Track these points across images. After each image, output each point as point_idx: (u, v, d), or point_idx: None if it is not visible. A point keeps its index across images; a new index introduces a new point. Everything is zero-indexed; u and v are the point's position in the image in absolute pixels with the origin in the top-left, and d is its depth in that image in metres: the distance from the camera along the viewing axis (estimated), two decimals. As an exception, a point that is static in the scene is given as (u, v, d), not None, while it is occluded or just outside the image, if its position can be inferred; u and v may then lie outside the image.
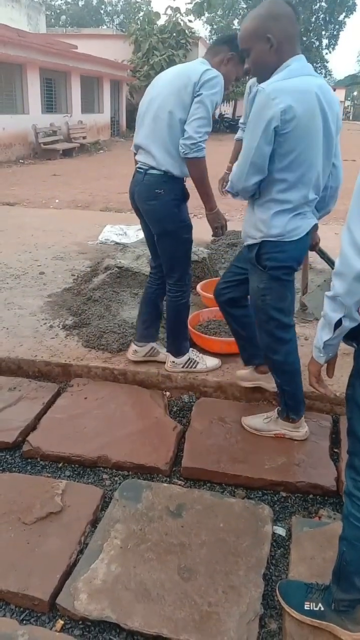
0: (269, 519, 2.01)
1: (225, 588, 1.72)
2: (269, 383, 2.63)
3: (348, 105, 63.69)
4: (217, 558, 1.83)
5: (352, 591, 1.52)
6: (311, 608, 1.60)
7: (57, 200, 8.43)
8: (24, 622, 1.66)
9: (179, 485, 2.23)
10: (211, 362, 2.95)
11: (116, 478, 2.29)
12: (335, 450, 2.44)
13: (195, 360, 2.91)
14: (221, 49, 2.54)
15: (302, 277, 3.62)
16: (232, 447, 2.39)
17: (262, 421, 2.50)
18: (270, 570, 1.85)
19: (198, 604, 1.66)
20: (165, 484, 2.20)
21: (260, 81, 2.05)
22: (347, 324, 1.34)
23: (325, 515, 2.10)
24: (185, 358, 2.89)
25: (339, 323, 1.34)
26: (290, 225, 2.10)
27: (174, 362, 2.89)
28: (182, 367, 2.89)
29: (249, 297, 2.41)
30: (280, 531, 2.02)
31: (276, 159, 2.00)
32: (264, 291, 2.21)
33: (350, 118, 52.29)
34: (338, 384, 2.65)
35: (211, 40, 48.56)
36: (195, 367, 2.90)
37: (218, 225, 2.68)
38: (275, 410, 2.50)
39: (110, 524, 1.97)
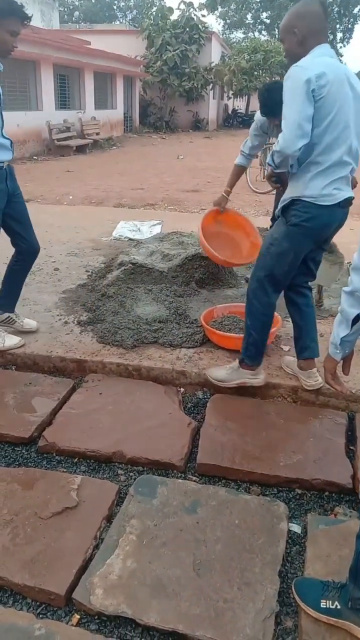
0: (284, 516, 2.00)
1: (241, 585, 1.72)
2: (305, 379, 2.69)
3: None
4: (232, 554, 1.83)
5: (369, 590, 1.51)
6: (327, 606, 1.59)
7: (70, 197, 8.45)
8: (41, 616, 1.67)
9: (194, 481, 2.23)
10: (10, 341, 3.09)
11: (131, 474, 2.29)
12: (351, 447, 2.42)
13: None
14: None
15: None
16: (247, 444, 2.38)
17: (225, 372, 2.72)
18: (286, 568, 1.85)
19: (213, 600, 1.66)
20: (180, 480, 2.20)
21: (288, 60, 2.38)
22: (365, 320, 1.33)
23: (341, 513, 2.09)
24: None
25: (356, 319, 1.33)
26: (325, 191, 2.29)
27: None
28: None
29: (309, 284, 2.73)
30: (296, 528, 2.02)
31: (314, 124, 2.20)
32: (274, 240, 2.44)
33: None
34: (353, 380, 2.64)
35: (224, 35, 48.39)
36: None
37: None
38: (237, 360, 2.71)
39: (126, 519, 1.98)
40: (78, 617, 1.66)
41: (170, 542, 1.88)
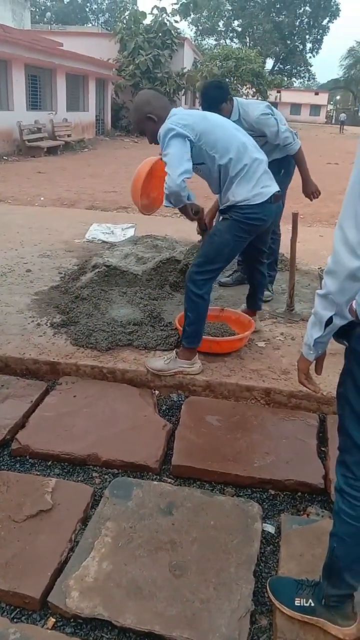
0: (258, 517, 2.03)
1: (217, 585, 1.73)
2: None
3: (330, 109, 64.32)
4: (208, 555, 1.85)
5: (342, 586, 1.54)
6: (301, 604, 1.62)
7: (42, 198, 8.37)
8: (15, 620, 1.65)
9: (169, 483, 2.24)
10: None
11: (106, 476, 2.29)
12: (323, 448, 2.47)
13: None
14: None
15: (289, 277, 3.66)
16: (221, 446, 2.40)
17: (163, 362, 2.86)
18: (261, 567, 1.87)
19: (190, 601, 1.67)
20: (156, 482, 2.21)
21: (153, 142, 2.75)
22: (338, 322, 1.36)
23: (313, 513, 2.13)
24: None
25: (329, 321, 1.36)
26: (255, 191, 2.66)
27: None
28: None
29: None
30: (270, 528, 2.04)
31: (210, 153, 2.63)
32: (218, 232, 2.75)
33: (332, 122, 52.80)
34: (324, 383, 2.69)
35: (196, 41, 48.74)
36: None
37: None
38: (174, 351, 2.89)
39: (101, 521, 1.97)
40: (54, 620, 1.65)
41: (146, 544, 1.88)
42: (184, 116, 2.61)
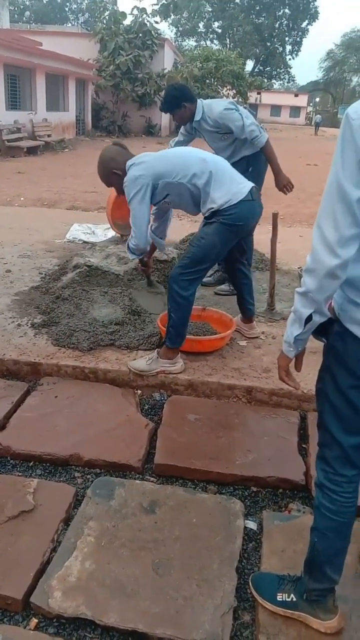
0: (240, 514, 2.04)
1: (200, 582, 1.74)
2: (248, 330, 3.32)
3: (310, 111, 64.94)
4: (190, 553, 1.85)
5: (324, 580, 1.56)
6: (284, 599, 1.64)
7: (22, 198, 8.30)
8: (-3, 621, 1.64)
9: (152, 482, 2.25)
10: None
11: (88, 476, 2.28)
12: (304, 445, 2.50)
13: None
14: None
15: (269, 277, 3.69)
16: (203, 444, 2.41)
17: (145, 362, 2.88)
18: (243, 564, 1.88)
19: (173, 598, 1.68)
20: (138, 481, 2.21)
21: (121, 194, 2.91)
22: (317, 319, 1.38)
23: (294, 509, 2.15)
24: None
25: (309, 318, 1.38)
26: (233, 190, 2.71)
27: None
28: None
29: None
30: (252, 525, 2.06)
31: (171, 184, 2.75)
32: (205, 235, 2.75)
33: (312, 123, 53.34)
34: (305, 381, 2.71)
35: (176, 43, 48.81)
36: None
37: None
38: (155, 351, 2.91)
39: (84, 521, 1.97)
40: (36, 621, 1.64)
41: (129, 543, 1.88)
42: (140, 165, 2.75)
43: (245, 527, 2.02)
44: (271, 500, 2.21)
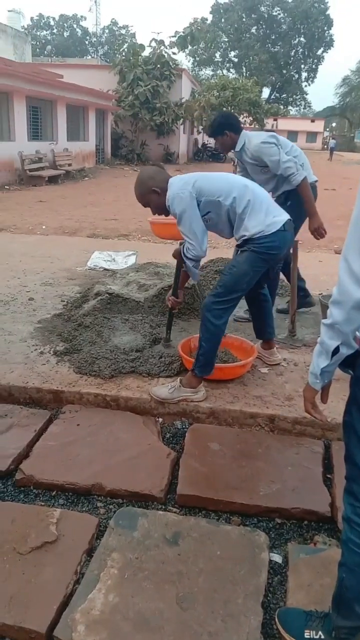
0: (265, 546, 2.01)
1: (225, 617, 1.71)
2: (269, 357, 3.31)
3: (326, 136, 65.41)
4: (215, 586, 1.83)
5: (353, 618, 1.52)
6: (311, 636, 1.60)
7: (44, 227, 8.46)
8: (21, 656, 1.63)
9: (175, 512, 2.23)
10: None
11: (111, 506, 2.27)
12: (328, 475, 2.46)
13: None
14: None
15: (290, 303, 3.69)
16: (226, 474, 2.39)
17: (167, 391, 2.87)
18: (268, 598, 1.85)
19: (197, 634, 1.65)
20: (161, 512, 2.19)
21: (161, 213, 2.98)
22: (344, 351, 1.38)
23: (320, 542, 2.11)
24: None
25: (336, 350, 1.38)
26: (267, 220, 2.75)
27: None
28: None
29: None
30: (277, 558, 2.02)
31: (214, 203, 2.78)
32: (237, 263, 2.81)
33: (327, 148, 53.66)
34: (328, 409, 2.69)
35: (193, 72, 49.84)
36: None
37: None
38: (178, 380, 2.91)
39: (107, 552, 1.95)
40: (60, 655, 1.62)
41: (152, 575, 1.86)
42: (183, 182, 2.80)
43: (271, 560, 1.99)
44: (296, 533, 2.17)
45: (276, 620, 1.70)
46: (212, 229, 2.97)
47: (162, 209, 2.89)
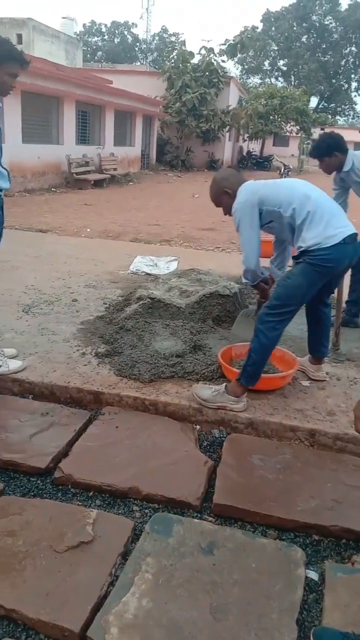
0: (301, 562, 1.97)
1: (258, 631, 1.69)
2: (314, 372, 3.25)
3: (374, 147, 64.14)
4: (249, 599, 1.80)
5: (392, 644, 1.48)
6: (347, 659, 1.56)
7: (88, 229, 8.61)
8: (54, 653, 1.64)
9: (210, 521, 2.21)
10: (14, 364, 3.18)
11: (146, 510, 2.28)
12: (369, 494, 2.40)
13: None
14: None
15: (335, 316, 3.63)
16: (264, 486, 2.37)
17: (210, 393, 2.87)
18: (303, 616, 1.81)
19: (231, 646, 1.63)
20: (196, 520, 2.18)
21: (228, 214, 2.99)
22: None
23: (358, 562, 2.06)
24: None
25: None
26: (327, 232, 2.68)
27: None
28: None
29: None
30: (313, 575, 1.99)
31: (275, 213, 2.79)
32: (292, 275, 2.77)
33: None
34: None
35: (241, 80, 49.87)
36: None
37: None
38: (223, 385, 2.89)
39: (142, 557, 1.96)
40: (92, 656, 1.63)
41: (186, 583, 1.85)
42: (250, 190, 2.84)
43: (306, 577, 1.95)
44: (334, 551, 2.12)
45: (311, 639, 1.67)
46: (278, 237, 3.03)
47: (230, 211, 2.93)
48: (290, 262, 3.04)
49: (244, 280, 3.10)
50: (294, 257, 2.84)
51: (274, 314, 2.74)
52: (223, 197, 2.93)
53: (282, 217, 2.76)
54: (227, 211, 2.96)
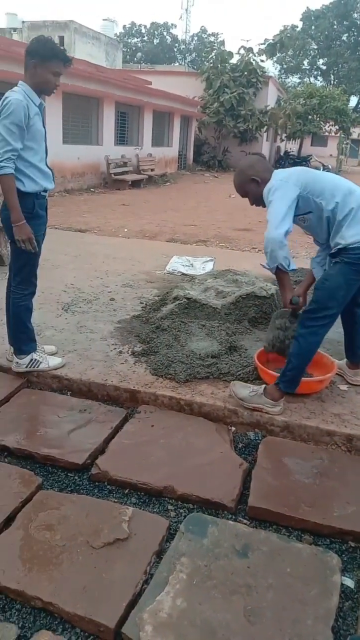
0: (337, 569, 1.95)
1: (293, 636, 1.67)
2: (352, 377, 3.20)
3: None
4: (283, 604, 1.79)
5: None
6: (385, 669, 1.53)
7: (126, 230, 8.68)
8: (89, 647, 1.67)
9: (245, 524, 2.21)
10: (54, 361, 3.22)
11: (181, 510, 2.29)
12: None
13: (38, 360, 3.17)
14: (26, 63, 2.79)
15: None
16: (299, 491, 2.34)
17: (248, 393, 2.85)
18: (339, 623, 1.79)
19: (265, 650, 1.62)
20: (231, 522, 2.18)
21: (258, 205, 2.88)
22: None
23: None
24: (28, 358, 3.15)
25: None
26: None
27: (17, 362, 3.17)
28: (26, 367, 3.16)
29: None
30: (349, 582, 1.96)
31: (317, 204, 2.68)
32: (329, 276, 2.70)
33: None
34: None
35: (280, 79, 49.44)
36: (38, 367, 3.17)
37: (20, 238, 2.83)
38: (262, 387, 2.86)
39: (176, 556, 1.97)
40: (127, 652, 1.65)
41: (220, 585, 1.85)
42: (288, 173, 2.74)
43: (342, 584, 1.92)
44: (370, 559, 2.09)
45: (347, 647, 1.65)
46: (309, 230, 2.88)
47: (260, 199, 2.81)
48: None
49: (265, 264, 2.81)
50: (331, 255, 2.76)
51: (315, 318, 2.69)
52: (250, 185, 2.81)
53: (322, 210, 2.66)
54: (255, 201, 2.85)
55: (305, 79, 54.44)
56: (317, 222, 2.74)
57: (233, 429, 2.87)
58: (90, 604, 1.76)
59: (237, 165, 2.93)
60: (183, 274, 5.59)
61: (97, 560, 1.93)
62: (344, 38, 53.42)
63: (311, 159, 24.88)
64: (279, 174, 2.74)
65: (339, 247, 2.65)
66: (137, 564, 1.93)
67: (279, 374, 2.92)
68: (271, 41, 26.55)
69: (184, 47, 63.88)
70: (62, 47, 2.90)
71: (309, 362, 2.81)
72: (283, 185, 2.65)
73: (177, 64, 56.19)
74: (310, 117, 26.86)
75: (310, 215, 2.73)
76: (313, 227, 2.80)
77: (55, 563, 1.91)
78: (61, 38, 24.13)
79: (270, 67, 55.71)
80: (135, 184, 16.24)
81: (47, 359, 3.22)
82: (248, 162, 2.88)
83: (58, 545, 1.98)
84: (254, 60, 24.93)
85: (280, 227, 2.58)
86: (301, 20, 53.85)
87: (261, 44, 26.74)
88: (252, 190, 2.82)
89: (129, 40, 62.91)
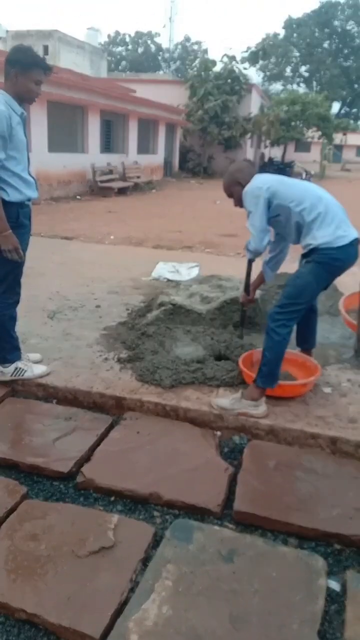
0: (323, 572, 1.95)
1: (279, 641, 1.67)
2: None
3: None
4: (269, 609, 1.79)
5: None
6: (370, 671, 1.53)
7: (112, 237, 8.68)
8: (74, 658, 1.65)
9: (230, 529, 2.20)
10: (38, 369, 3.23)
11: (167, 516, 2.28)
12: (392, 504, 2.36)
13: (23, 369, 3.17)
14: (7, 72, 2.80)
15: (357, 322, 3.59)
16: (284, 494, 2.35)
17: (229, 401, 2.90)
18: (325, 627, 1.79)
19: (251, 656, 1.62)
20: (217, 527, 2.18)
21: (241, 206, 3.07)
22: None
23: (381, 572, 2.02)
24: (12, 367, 3.15)
25: None
26: (337, 233, 2.78)
27: (1, 371, 3.17)
28: (10, 375, 3.15)
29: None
30: (335, 585, 1.96)
31: (286, 210, 2.88)
32: (300, 274, 2.86)
33: None
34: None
35: (263, 86, 49.84)
36: (23, 375, 3.17)
37: (6, 248, 2.83)
38: (240, 392, 2.93)
39: (162, 563, 1.96)
40: (112, 662, 1.64)
41: (206, 591, 1.85)
42: (262, 180, 2.96)
43: (328, 587, 1.92)
44: (355, 561, 2.09)
45: (333, 650, 1.65)
46: (280, 232, 3.08)
47: (241, 201, 3.01)
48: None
49: (248, 255, 3.22)
50: (303, 255, 2.93)
51: (284, 312, 2.82)
52: (235, 187, 3.04)
53: (291, 213, 2.85)
54: (238, 202, 3.07)
55: (288, 86, 54.94)
56: (286, 223, 2.94)
57: (219, 433, 2.87)
58: (75, 614, 1.74)
59: (224, 170, 3.11)
60: (169, 279, 5.59)
61: (82, 569, 1.92)
62: (326, 45, 54.10)
63: (294, 165, 25.08)
64: (253, 182, 2.95)
65: (310, 247, 2.83)
66: (123, 572, 1.92)
67: None
68: (254, 49, 26.80)
69: (168, 55, 64.23)
70: (43, 56, 2.90)
71: (282, 356, 2.88)
72: (256, 193, 2.88)
73: (161, 72, 56.44)
74: (293, 123, 27.11)
75: (280, 217, 2.93)
76: (283, 227, 3.00)
77: (40, 573, 1.89)
78: (45, 47, 24.11)
79: (254, 74, 56.13)
80: (122, 192, 16.25)
81: (32, 367, 3.20)
82: (237, 167, 3.13)
83: (43, 555, 1.96)
84: (237, 68, 25.15)
85: (264, 240, 2.95)
86: (283, 28, 54.44)
87: (244, 52, 27.01)
88: (237, 192, 3.05)
89: (114, 49, 63.09)
